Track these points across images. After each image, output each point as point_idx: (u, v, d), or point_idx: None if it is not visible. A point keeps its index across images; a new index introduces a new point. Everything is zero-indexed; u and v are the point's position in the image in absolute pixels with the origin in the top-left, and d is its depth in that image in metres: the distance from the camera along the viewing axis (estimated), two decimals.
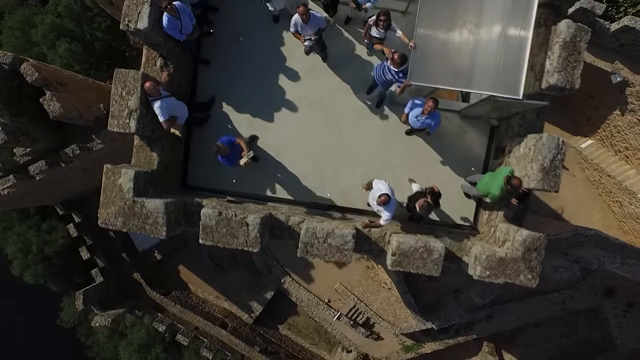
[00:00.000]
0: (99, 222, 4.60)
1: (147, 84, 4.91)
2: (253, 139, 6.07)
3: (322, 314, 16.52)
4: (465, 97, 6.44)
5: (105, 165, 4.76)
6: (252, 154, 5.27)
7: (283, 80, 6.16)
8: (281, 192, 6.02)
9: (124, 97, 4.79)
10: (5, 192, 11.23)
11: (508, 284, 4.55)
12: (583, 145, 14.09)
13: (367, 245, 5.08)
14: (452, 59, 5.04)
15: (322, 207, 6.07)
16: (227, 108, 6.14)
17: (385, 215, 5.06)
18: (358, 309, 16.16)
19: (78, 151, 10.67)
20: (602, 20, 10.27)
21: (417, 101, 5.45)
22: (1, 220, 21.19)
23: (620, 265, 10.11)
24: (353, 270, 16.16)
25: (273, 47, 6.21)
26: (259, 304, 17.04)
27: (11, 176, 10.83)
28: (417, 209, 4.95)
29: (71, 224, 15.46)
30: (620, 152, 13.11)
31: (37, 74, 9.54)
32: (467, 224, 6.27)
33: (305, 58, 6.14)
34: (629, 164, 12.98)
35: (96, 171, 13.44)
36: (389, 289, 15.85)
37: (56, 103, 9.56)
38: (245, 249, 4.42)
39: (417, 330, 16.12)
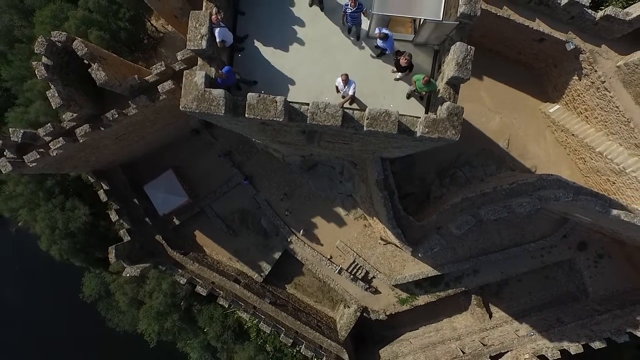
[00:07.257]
0: (180, 107, 6.86)
1: (214, 16, 7.60)
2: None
3: (325, 269, 18.42)
4: (416, 31, 8.96)
5: (184, 72, 7.17)
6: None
7: (294, 24, 8.99)
8: (294, 97, 8.64)
9: (197, 28, 7.28)
10: (54, 154, 13.24)
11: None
12: (551, 110, 16.04)
13: (352, 123, 7.55)
14: None
15: None
16: (257, 43, 9.04)
17: (350, 89, 7.78)
18: (357, 263, 18.05)
19: (117, 115, 12.67)
20: None
21: (381, 29, 8.47)
22: (28, 202, 23.02)
23: (572, 200, 12.02)
24: (352, 228, 18.09)
25: (288, 1, 9.13)
26: (267, 263, 18.95)
27: (61, 138, 12.84)
28: (402, 62, 7.87)
29: (101, 190, 17.43)
30: (581, 113, 15.07)
31: (86, 49, 11.56)
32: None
33: (309, 8, 9.08)
34: (588, 124, 14.93)
35: (126, 139, 15.55)
36: (385, 244, 17.77)
37: (102, 72, 11.54)
38: (274, 119, 6.82)
39: (410, 280, 18.05)
